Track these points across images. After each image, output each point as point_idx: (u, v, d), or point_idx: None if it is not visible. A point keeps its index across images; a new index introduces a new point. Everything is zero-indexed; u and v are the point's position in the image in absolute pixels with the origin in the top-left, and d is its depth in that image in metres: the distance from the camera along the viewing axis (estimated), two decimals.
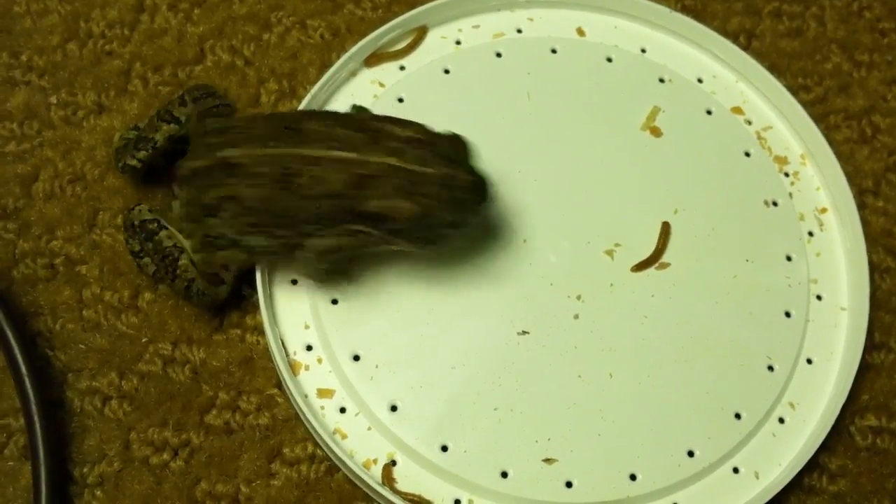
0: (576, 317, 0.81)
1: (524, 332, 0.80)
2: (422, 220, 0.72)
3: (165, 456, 0.78)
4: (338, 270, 0.80)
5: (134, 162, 0.82)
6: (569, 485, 0.76)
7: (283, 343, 0.79)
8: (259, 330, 0.81)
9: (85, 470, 0.77)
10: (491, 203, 0.76)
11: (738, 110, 0.93)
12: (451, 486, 0.76)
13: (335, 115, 0.78)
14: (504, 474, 0.76)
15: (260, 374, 0.81)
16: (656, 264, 0.84)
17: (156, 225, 0.78)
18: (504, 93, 0.90)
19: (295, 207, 0.72)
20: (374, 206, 0.71)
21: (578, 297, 0.82)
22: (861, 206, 0.89)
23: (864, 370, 0.84)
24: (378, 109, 0.85)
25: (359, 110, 0.81)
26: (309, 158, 0.72)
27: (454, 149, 0.74)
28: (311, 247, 0.75)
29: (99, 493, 0.77)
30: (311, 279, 0.80)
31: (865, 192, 0.92)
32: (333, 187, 0.71)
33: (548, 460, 0.77)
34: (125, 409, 0.79)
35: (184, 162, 0.75)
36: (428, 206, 0.71)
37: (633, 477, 0.77)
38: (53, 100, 0.90)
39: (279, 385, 0.80)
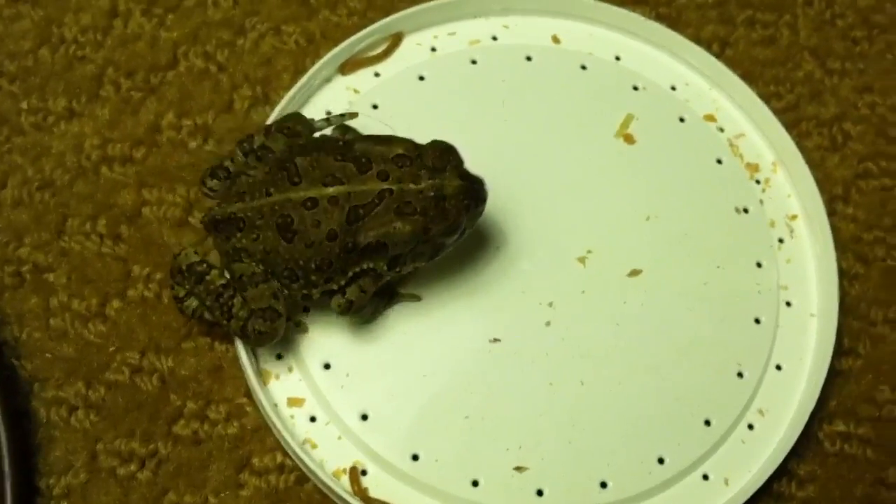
0: (547, 324, 0.81)
1: (496, 340, 0.80)
2: (420, 237, 0.72)
3: (133, 467, 0.77)
4: (373, 313, 0.80)
5: (205, 189, 0.78)
6: (539, 493, 0.76)
7: (252, 352, 0.79)
8: (228, 338, 0.81)
9: (51, 481, 0.76)
10: (485, 203, 0.76)
11: (710, 118, 0.93)
12: (422, 495, 0.76)
13: (324, 143, 0.77)
14: (475, 483, 0.76)
15: (229, 383, 0.80)
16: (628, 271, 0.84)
17: (204, 266, 0.76)
18: (479, 100, 0.90)
19: (299, 257, 0.73)
20: (371, 237, 0.72)
21: (550, 304, 0.82)
22: (831, 213, 0.89)
23: (833, 376, 0.84)
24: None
25: (343, 131, 0.81)
26: (302, 201, 0.72)
27: (440, 157, 0.74)
28: (339, 304, 0.75)
29: None
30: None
31: (836, 199, 0.92)
32: (331, 226, 0.72)
33: (519, 468, 0.77)
34: (92, 419, 0.79)
35: (204, 217, 0.76)
36: (421, 221, 0.72)
37: (603, 484, 0.77)
38: (24, 105, 0.90)
39: (248, 394, 0.80)
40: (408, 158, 0.73)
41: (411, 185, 0.72)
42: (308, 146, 0.77)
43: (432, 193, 0.72)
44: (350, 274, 0.74)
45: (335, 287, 0.74)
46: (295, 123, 0.79)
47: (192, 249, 0.77)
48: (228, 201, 0.75)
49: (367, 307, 0.78)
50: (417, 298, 0.80)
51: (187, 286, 0.76)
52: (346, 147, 0.75)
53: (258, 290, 0.74)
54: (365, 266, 0.74)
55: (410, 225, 0.71)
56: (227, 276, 0.75)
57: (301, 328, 0.79)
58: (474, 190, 0.74)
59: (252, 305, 0.74)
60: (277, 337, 0.75)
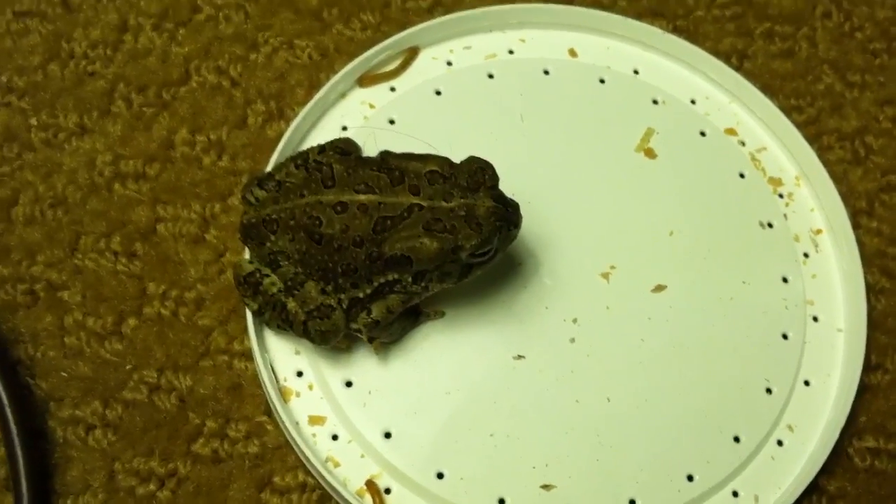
0: (572, 340, 0.80)
1: (520, 357, 0.79)
2: (447, 256, 0.71)
3: (152, 486, 0.76)
4: (401, 334, 0.78)
5: (250, 198, 0.77)
6: None
7: (272, 369, 0.77)
8: (247, 356, 0.79)
9: (69, 502, 0.75)
10: (519, 228, 0.75)
11: (731, 131, 0.92)
12: None
13: (366, 159, 0.77)
14: (501, 501, 0.74)
15: (248, 401, 0.79)
16: (653, 287, 0.83)
17: (258, 275, 0.75)
18: (496, 114, 0.89)
19: (328, 260, 0.72)
20: (398, 249, 0.70)
21: (574, 321, 0.80)
22: (855, 227, 0.88)
23: (862, 391, 0.82)
24: (368, 131, 0.84)
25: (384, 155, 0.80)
26: (332, 205, 0.72)
27: (475, 177, 0.72)
28: (364, 322, 0.74)
29: None
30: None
31: (859, 213, 0.91)
32: (358, 233, 0.71)
33: (546, 486, 0.75)
34: (109, 438, 0.77)
35: (241, 221, 0.76)
36: (449, 240, 0.70)
37: (632, 503, 0.75)
38: (34, 121, 0.88)
39: (269, 412, 0.78)
40: (441, 176, 0.72)
41: (442, 203, 0.71)
42: (351, 159, 0.76)
43: (463, 213, 0.71)
44: (375, 284, 0.72)
45: (361, 295, 0.73)
46: (347, 144, 0.79)
47: (248, 259, 0.76)
48: (264, 206, 0.74)
49: (394, 327, 0.76)
50: (442, 314, 0.79)
51: (252, 300, 0.75)
52: (383, 160, 0.74)
53: (304, 290, 0.73)
54: (390, 277, 0.72)
55: (438, 242, 0.70)
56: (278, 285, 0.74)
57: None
58: (507, 213, 0.72)
59: (305, 308, 0.73)
60: (340, 331, 0.74)
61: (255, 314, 0.76)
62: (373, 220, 0.71)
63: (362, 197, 0.72)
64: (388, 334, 0.77)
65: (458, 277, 0.74)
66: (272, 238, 0.73)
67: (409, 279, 0.72)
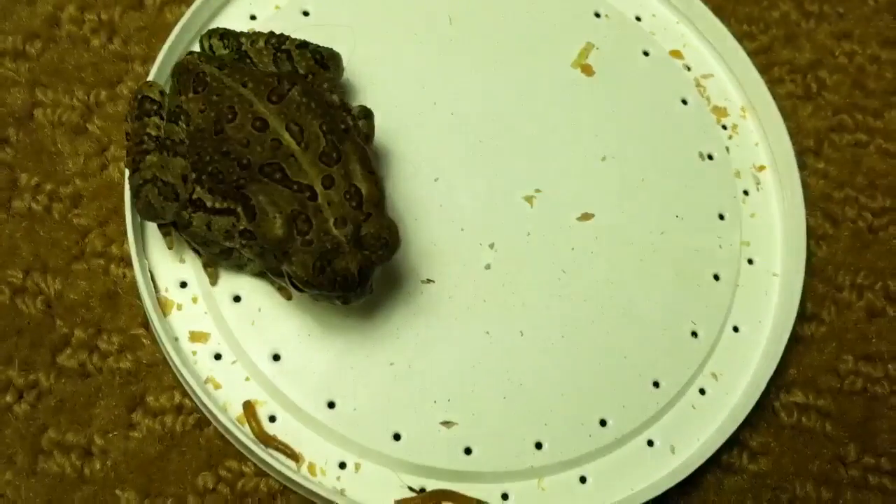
0: (487, 267, 0.74)
1: (429, 281, 0.72)
2: (275, 249, 0.63)
3: (9, 398, 0.69)
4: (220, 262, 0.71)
5: (206, 44, 0.72)
6: (468, 451, 0.69)
7: (152, 277, 0.70)
8: (126, 261, 0.72)
9: None
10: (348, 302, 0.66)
11: (677, 54, 0.85)
12: (337, 447, 0.68)
13: (330, 101, 0.69)
14: (397, 436, 0.68)
15: (125, 312, 0.71)
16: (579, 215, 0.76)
17: (156, 107, 0.68)
18: (423, 14, 0.81)
19: (213, 153, 0.66)
20: (255, 201, 0.63)
21: (491, 246, 0.74)
22: (801, 167, 0.82)
23: (793, 342, 0.77)
24: (279, 23, 0.76)
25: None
26: (258, 116, 0.66)
27: (374, 238, 0.64)
28: (184, 221, 0.67)
29: None
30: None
31: (806, 152, 0.85)
32: (250, 157, 0.64)
33: (446, 423, 0.69)
34: None
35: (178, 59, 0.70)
36: (286, 242, 0.63)
37: (538, 445, 0.70)
38: None
39: (146, 325, 0.71)
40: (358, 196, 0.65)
41: (332, 223, 0.63)
42: (322, 97, 0.69)
43: (332, 244, 0.63)
44: (222, 206, 0.66)
45: (208, 203, 0.66)
46: (332, 59, 0.72)
47: (161, 89, 0.70)
48: (210, 62, 0.69)
49: (220, 256, 0.69)
50: (288, 298, 0.71)
51: (130, 120, 0.69)
52: (331, 102, 0.69)
53: (174, 160, 0.67)
54: (235, 207, 0.65)
55: (282, 231, 0.63)
56: (161, 132, 0.68)
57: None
58: (351, 292, 0.64)
59: (157, 172, 0.66)
60: (162, 220, 0.67)
61: (126, 139, 0.70)
62: (272, 163, 0.64)
63: (285, 137, 0.65)
64: (216, 259, 0.70)
65: (272, 271, 0.66)
66: (190, 94, 0.68)
67: (240, 226, 0.65)
